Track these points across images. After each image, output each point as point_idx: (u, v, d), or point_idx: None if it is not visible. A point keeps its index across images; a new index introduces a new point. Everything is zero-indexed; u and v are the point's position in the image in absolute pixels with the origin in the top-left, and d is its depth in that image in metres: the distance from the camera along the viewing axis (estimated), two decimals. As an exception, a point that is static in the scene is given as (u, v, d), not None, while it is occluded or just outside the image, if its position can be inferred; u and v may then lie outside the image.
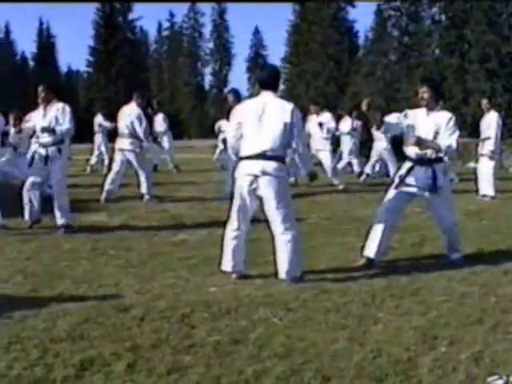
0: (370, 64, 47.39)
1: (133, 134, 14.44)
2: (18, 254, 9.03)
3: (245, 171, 7.29)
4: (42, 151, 10.73)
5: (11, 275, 7.71)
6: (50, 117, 10.73)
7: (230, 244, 7.47)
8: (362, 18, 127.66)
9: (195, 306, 6.34)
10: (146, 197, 14.58)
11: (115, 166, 14.69)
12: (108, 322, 5.84)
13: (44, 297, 6.74)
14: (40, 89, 10.87)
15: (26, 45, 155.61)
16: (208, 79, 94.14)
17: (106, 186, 14.30)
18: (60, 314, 6.05)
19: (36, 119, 10.91)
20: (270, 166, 7.15)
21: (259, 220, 7.64)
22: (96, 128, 24.54)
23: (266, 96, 7.36)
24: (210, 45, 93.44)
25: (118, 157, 14.63)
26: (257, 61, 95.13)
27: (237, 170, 7.44)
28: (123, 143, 14.52)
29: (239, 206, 7.36)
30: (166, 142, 23.59)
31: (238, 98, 13.99)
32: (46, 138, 10.72)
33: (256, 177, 7.20)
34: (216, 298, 6.68)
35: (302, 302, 6.53)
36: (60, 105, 10.86)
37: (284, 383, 4.57)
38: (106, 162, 23.30)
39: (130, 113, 14.58)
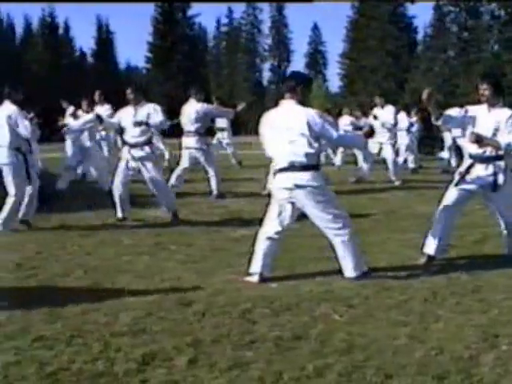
0: (428, 60, 46.87)
1: (198, 132, 14.50)
2: (78, 248, 9.16)
3: (279, 185, 7.26)
4: (134, 152, 11.04)
5: (72, 269, 7.81)
6: (142, 115, 11.09)
7: (261, 247, 7.40)
8: (421, 13, 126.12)
9: (256, 301, 6.34)
10: (215, 192, 14.64)
11: (182, 164, 14.81)
12: (169, 317, 5.87)
13: (105, 291, 6.81)
14: (129, 90, 11.23)
15: (85, 41, 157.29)
16: (266, 75, 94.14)
17: (171, 182, 14.41)
18: (121, 308, 6.10)
19: (125, 118, 11.17)
20: (303, 177, 7.09)
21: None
22: None
23: (286, 104, 7.31)
24: (269, 41, 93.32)
25: (185, 155, 14.74)
26: (316, 57, 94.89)
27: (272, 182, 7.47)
28: (189, 142, 14.60)
29: (277, 213, 7.31)
30: (226, 138, 23.66)
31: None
32: (136, 138, 10.98)
33: (291, 189, 7.14)
34: (277, 293, 6.67)
35: (363, 298, 6.49)
36: (151, 104, 11.29)
37: (346, 379, 4.53)
38: (167, 156, 23.57)
39: (192, 110, 14.62)
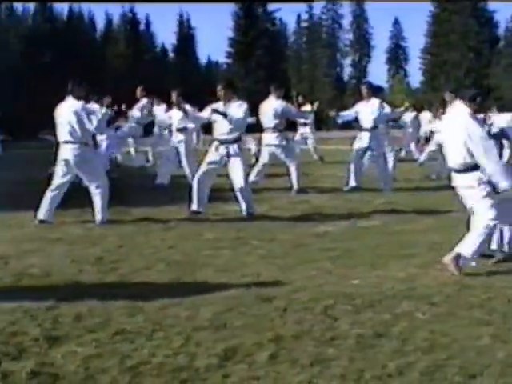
0: (510, 55, 46.04)
1: (277, 128, 14.49)
2: (161, 242, 9.22)
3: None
4: (222, 149, 11.13)
5: (154, 263, 7.87)
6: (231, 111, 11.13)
7: None
8: (503, 8, 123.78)
9: (338, 297, 6.28)
10: (295, 188, 14.60)
11: (262, 159, 14.84)
12: (250, 312, 5.86)
13: (187, 285, 6.85)
14: (219, 87, 11.27)
15: (166, 36, 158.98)
16: (347, 70, 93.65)
17: (252, 177, 14.44)
18: (202, 303, 6.11)
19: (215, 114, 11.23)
20: (463, 178, 7.21)
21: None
22: None
23: (457, 107, 7.27)
24: (350, 36, 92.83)
25: (264, 151, 14.75)
26: (396, 52, 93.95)
27: None
28: (269, 138, 14.60)
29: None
30: (309, 133, 23.58)
31: (372, 90, 13.91)
32: (226, 135, 11.07)
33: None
34: (359, 290, 6.60)
35: (445, 296, 6.37)
36: (239, 102, 11.30)
37: (427, 379, 4.46)
38: (253, 151, 23.69)
39: (271, 107, 14.61)
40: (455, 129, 7.21)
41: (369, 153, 14.69)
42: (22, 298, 6.24)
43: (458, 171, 7.24)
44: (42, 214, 10.67)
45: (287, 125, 15.10)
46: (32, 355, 4.86)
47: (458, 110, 7.30)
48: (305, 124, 23.28)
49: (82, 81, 10.95)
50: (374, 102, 14.50)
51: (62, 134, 10.66)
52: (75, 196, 11.00)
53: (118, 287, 6.84)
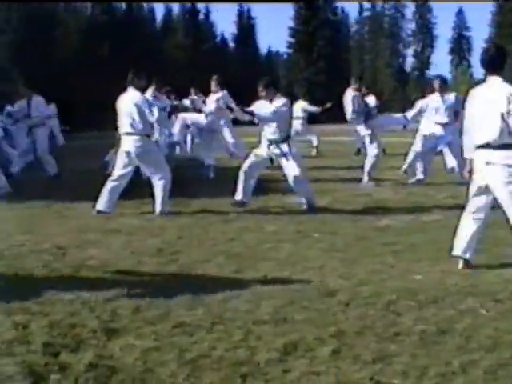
0: None
1: (358, 119, 14.62)
2: (221, 234, 9.24)
3: (476, 161, 7.10)
4: (272, 149, 11.12)
5: (214, 255, 7.88)
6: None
7: (463, 229, 7.26)
8: None
9: (401, 293, 6.21)
10: (365, 179, 14.61)
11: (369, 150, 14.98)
12: (312, 306, 5.82)
13: (247, 278, 6.82)
14: (260, 88, 11.21)
15: (226, 26, 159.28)
16: (410, 61, 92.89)
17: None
18: (263, 296, 6.10)
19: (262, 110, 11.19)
20: (496, 155, 6.88)
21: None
22: (297, 113, 24.68)
23: (491, 81, 7.07)
24: (412, 25, 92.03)
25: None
26: (460, 42, 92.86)
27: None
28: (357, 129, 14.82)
29: (474, 193, 7.15)
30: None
31: (445, 85, 13.79)
32: (273, 135, 11.09)
33: (484, 166, 6.97)
34: (422, 285, 6.52)
35: (509, 293, 6.24)
36: (283, 100, 11.20)
37: (492, 377, 4.38)
38: (315, 143, 23.73)
39: (350, 98, 14.68)
40: (493, 103, 6.96)
41: (442, 147, 14.52)
42: (80, 289, 6.30)
43: (495, 147, 6.96)
44: (100, 204, 10.77)
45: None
46: (90, 347, 4.90)
47: (496, 85, 7.06)
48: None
49: (142, 72, 11.03)
50: (450, 96, 14.32)
51: (124, 125, 10.75)
52: (135, 187, 11.07)
53: (178, 279, 6.87)
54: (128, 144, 10.71)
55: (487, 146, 6.92)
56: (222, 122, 16.02)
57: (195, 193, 12.56)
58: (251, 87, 15.93)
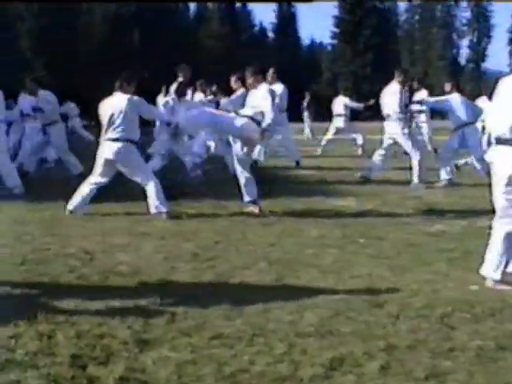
0: None
1: (399, 115, 14.49)
2: (260, 238, 9.25)
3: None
4: None
5: (254, 262, 7.88)
6: None
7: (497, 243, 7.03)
8: None
9: (456, 304, 6.16)
10: (415, 181, 14.59)
11: (382, 147, 15.02)
12: (360, 318, 5.80)
13: (289, 286, 6.83)
14: (247, 74, 11.34)
15: (265, 15, 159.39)
16: (464, 52, 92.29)
17: (371, 165, 14.61)
18: (307, 306, 6.08)
19: None
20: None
21: None
22: (339, 109, 24.68)
23: None
24: (467, 14, 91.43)
25: (385, 139, 14.80)
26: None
27: None
28: (391, 126, 14.63)
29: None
30: (424, 121, 23.35)
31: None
32: None
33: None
34: (478, 297, 6.47)
35: None
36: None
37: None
38: (360, 142, 23.74)
39: (393, 93, 14.61)
40: None
41: None
42: (109, 297, 6.33)
43: None
44: (73, 204, 11.03)
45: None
46: (121, 360, 4.90)
47: None
48: (420, 111, 23.02)
49: (133, 77, 11.13)
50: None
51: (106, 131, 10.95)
52: (165, 188, 11.11)
53: (215, 287, 6.87)
54: (109, 150, 10.83)
55: None
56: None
57: (232, 194, 12.57)
58: (293, 80, 15.95)
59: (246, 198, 11.17)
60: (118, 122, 10.75)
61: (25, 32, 60.70)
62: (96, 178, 11.04)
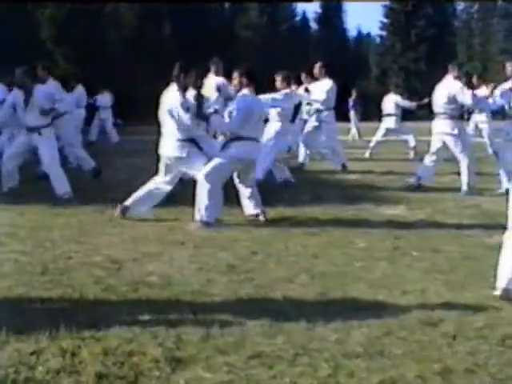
0: None
1: (451, 115, 14.40)
2: (303, 249, 9.27)
3: None
4: None
5: (296, 274, 7.90)
6: None
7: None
8: None
9: (519, 325, 6.16)
10: (464, 188, 14.52)
11: (431, 150, 14.90)
12: (412, 338, 5.80)
13: (335, 302, 6.84)
14: (235, 75, 11.42)
15: (308, 3, 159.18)
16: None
17: (419, 174, 14.51)
18: (354, 324, 6.08)
19: None
20: None
21: None
22: (389, 108, 24.58)
23: None
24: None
25: (434, 141, 14.74)
26: None
27: None
28: (440, 126, 14.56)
29: None
30: (484, 122, 23.14)
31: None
32: None
33: None
34: (544, 316, 6.45)
35: None
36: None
37: None
38: (412, 144, 23.65)
39: (445, 89, 14.52)
40: None
41: None
42: (138, 311, 6.37)
43: None
44: (137, 209, 11.14)
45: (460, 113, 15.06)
46: (151, 380, 4.95)
47: None
48: (480, 111, 22.86)
49: (191, 67, 11.15)
50: None
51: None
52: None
53: (253, 302, 6.88)
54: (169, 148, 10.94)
55: None
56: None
57: (272, 200, 12.59)
58: (338, 76, 15.97)
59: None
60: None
61: (45, 18, 60.85)
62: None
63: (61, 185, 13.29)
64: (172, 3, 63.25)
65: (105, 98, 29.87)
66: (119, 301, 6.86)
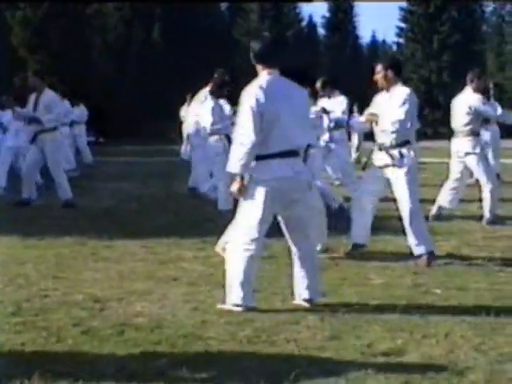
0: None
1: (471, 131, 14.38)
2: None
3: None
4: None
5: (303, 315, 7.88)
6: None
7: None
8: None
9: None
10: (487, 216, 14.44)
11: (452, 175, 14.77)
12: (438, 388, 5.81)
13: (347, 347, 6.81)
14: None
15: (315, 7, 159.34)
16: None
17: (440, 203, 14.53)
18: (370, 373, 6.05)
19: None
20: None
21: None
22: None
23: None
24: None
25: (453, 162, 14.71)
26: None
27: None
28: (460, 144, 14.51)
29: None
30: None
31: None
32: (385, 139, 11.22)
33: None
34: None
35: None
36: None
37: None
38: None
39: (464, 103, 14.53)
40: None
41: None
42: (124, 358, 6.37)
43: None
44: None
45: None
46: None
47: None
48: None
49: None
50: None
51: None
52: (194, 222, 11.16)
53: (254, 345, 6.85)
54: None
55: None
56: None
57: (278, 232, 12.58)
58: (351, 87, 16.00)
59: None
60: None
61: (19, 21, 60.96)
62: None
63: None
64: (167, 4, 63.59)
65: (80, 112, 29.22)
66: (102, 346, 6.83)
